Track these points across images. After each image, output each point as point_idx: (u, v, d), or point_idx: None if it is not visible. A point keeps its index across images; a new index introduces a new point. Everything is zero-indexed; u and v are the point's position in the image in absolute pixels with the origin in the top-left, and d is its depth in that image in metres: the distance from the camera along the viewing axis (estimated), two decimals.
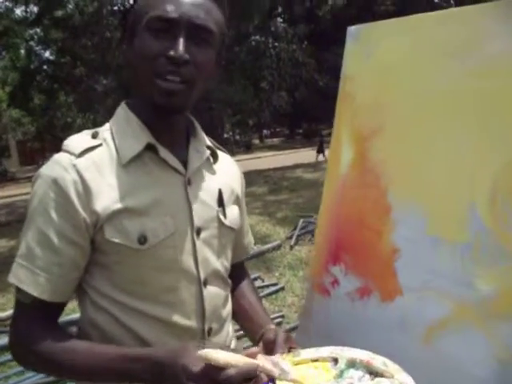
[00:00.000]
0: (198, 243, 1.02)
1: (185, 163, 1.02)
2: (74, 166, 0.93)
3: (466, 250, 1.09)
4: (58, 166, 0.93)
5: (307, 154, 21.06)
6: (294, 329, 3.65)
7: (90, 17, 15.53)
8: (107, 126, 1.03)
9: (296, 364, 0.92)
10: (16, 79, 19.72)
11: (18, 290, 0.94)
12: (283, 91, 15.29)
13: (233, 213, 1.12)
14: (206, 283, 1.03)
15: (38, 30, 18.27)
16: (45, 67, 18.31)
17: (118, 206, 0.93)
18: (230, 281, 1.14)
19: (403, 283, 1.20)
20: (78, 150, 0.95)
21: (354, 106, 1.36)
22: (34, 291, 0.91)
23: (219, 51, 1.02)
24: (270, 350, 1.00)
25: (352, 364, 0.90)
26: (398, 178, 1.23)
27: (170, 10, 0.92)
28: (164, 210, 0.97)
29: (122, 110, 1.04)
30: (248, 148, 26.73)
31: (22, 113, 24.62)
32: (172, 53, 0.91)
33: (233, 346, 1.16)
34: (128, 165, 0.96)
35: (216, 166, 1.12)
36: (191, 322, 1.01)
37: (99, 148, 0.97)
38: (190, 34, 0.93)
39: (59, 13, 16.01)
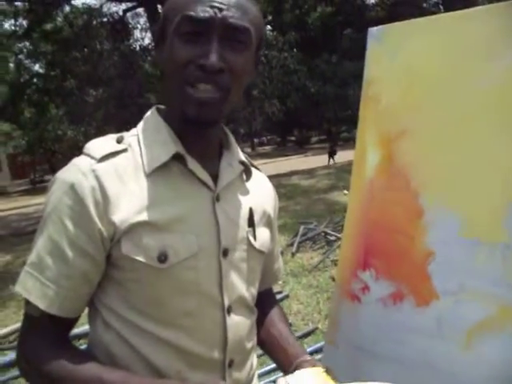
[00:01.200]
0: (224, 265, 0.93)
1: (215, 177, 0.94)
2: (94, 171, 0.85)
3: (506, 250, 1.07)
4: (77, 170, 0.86)
5: (301, 161, 21.12)
6: (301, 337, 3.64)
7: (80, 29, 15.50)
8: (134, 131, 0.96)
9: None
10: (6, 93, 19.64)
11: (26, 302, 0.87)
12: (275, 99, 15.29)
13: (263, 235, 1.04)
14: (230, 310, 0.94)
15: (28, 43, 18.25)
16: (35, 80, 18.26)
17: (139, 218, 0.85)
18: (256, 309, 1.05)
19: (439, 287, 1.17)
20: (99, 155, 0.87)
21: (378, 109, 1.34)
22: (41, 304, 0.84)
23: (257, 51, 0.94)
24: None
25: None
26: (429, 180, 1.21)
27: (201, 9, 0.84)
28: (188, 227, 0.89)
29: (152, 116, 0.97)
30: None
31: (13, 126, 24.51)
32: (203, 61, 0.83)
33: (255, 381, 1.08)
34: (152, 174, 0.88)
35: (249, 184, 1.04)
36: (210, 352, 0.92)
37: (123, 154, 0.89)
38: (225, 36, 0.85)
39: (48, 26, 15.99)
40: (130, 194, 0.86)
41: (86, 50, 15.82)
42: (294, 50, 15.68)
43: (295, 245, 6.04)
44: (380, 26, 1.39)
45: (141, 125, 0.97)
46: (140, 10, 17.01)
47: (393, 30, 1.35)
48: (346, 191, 11.66)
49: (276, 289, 4.67)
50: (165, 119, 0.95)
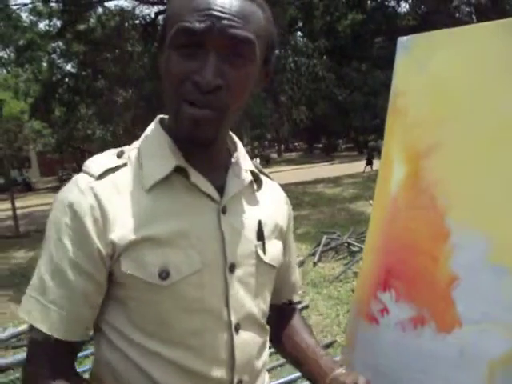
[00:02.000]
0: (231, 281, 0.89)
1: (221, 189, 0.90)
2: (92, 188, 0.83)
3: None
4: (76, 189, 0.84)
5: (327, 169, 21.01)
6: None
7: (112, 30, 15.70)
8: (136, 143, 0.93)
9: None
10: (38, 91, 20.04)
11: (30, 327, 0.85)
12: (303, 105, 15.25)
13: (274, 249, 0.99)
14: (237, 328, 0.90)
15: (61, 43, 18.58)
16: (66, 80, 18.57)
17: (138, 234, 0.82)
18: (267, 326, 1.01)
19: (462, 314, 1.10)
20: (97, 172, 0.85)
21: (406, 122, 1.28)
22: (44, 327, 0.82)
23: (267, 59, 0.88)
24: None
25: None
26: (458, 199, 1.14)
27: (197, 19, 0.76)
28: (191, 242, 0.85)
29: (154, 128, 0.93)
30: (267, 162, 26.76)
31: (43, 124, 24.97)
32: (198, 78, 0.77)
33: None
34: (153, 189, 0.85)
35: (259, 194, 0.99)
36: (217, 372, 0.88)
37: (123, 169, 0.87)
38: (224, 48, 0.78)
39: (81, 26, 16.25)
40: (129, 210, 0.84)
41: (117, 51, 16.03)
42: (324, 57, 15.64)
43: (317, 254, 5.98)
44: (410, 36, 1.33)
45: (142, 137, 0.93)
46: None
47: (422, 40, 1.29)
48: (371, 201, 11.55)
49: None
50: (166, 130, 0.91)
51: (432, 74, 1.23)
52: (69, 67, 20.10)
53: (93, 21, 16.75)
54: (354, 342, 1.34)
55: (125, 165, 0.87)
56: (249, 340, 0.93)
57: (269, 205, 1.01)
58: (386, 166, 1.34)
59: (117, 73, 15.75)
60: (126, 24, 15.90)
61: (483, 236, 1.08)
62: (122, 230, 0.82)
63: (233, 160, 0.96)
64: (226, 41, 0.77)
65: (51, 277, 0.83)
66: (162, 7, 16.27)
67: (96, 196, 0.82)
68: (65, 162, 34.51)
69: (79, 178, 0.86)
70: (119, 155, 0.89)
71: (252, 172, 0.98)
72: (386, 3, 20.63)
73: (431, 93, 1.23)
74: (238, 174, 0.94)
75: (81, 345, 0.88)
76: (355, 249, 6.42)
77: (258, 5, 0.83)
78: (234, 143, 1.00)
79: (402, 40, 1.33)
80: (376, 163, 22.09)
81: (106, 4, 17.35)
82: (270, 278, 1.00)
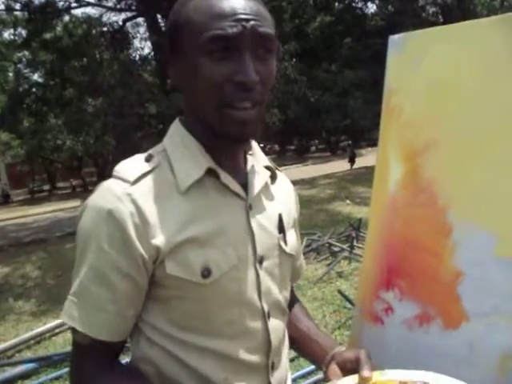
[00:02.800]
0: (261, 273, 0.95)
1: (244, 186, 0.95)
2: (129, 195, 0.84)
3: None
4: (111, 196, 0.85)
5: (300, 171, 21.09)
6: None
7: (79, 38, 15.52)
8: (160, 147, 0.95)
9: None
10: (5, 102, 19.65)
11: (74, 331, 0.87)
12: (275, 108, 15.28)
13: (292, 238, 1.06)
14: (269, 316, 0.97)
15: (27, 52, 18.29)
16: (34, 90, 18.28)
17: (181, 237, 0.86)
18: (287, 311, 1.09)
19: (469, 309, 1.11)
20: (132, 177, 0.86)
21: (401, 120, 1.28)
22: (90, 331, 0.85)
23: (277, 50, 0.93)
24: (348, 370, 0.96)
25: None
26: (459, 195, 1.14)
27: (229, 25, 0.80)
28: (227, 239, 0.90)
29: (177, 130, 0.95)
30: None
31: (11, 136, 24.46)
32: (242, 78, 0.81)
33: (289, 379, 1.10)
34: (188, 191, 0.89)
35: (273, 188, 1.05)
36: (256, 357, 0.95)
37: (154, 173, 0.89)
38: (255, 47, 0.83)
39: (48, 35, 16.02)
40: (168, 213, 0.86)
41: (85, 59, 15.84)
42: (294, 59, 15.71)
43: None
44: (401, 34, 1.33)
45: (167, 140, 0.95)
46: (140, 19, 17.05)
47: (415, 38, 1.29)
48: (348, 201, 11.63)
49: None
50: (191, 132, 0.93)
51: (427, 71, 1.23)
52: (36, 77, 19.79)
53: (59, 29, 16.52)
54: (359, 343, 1.33)
55: (156, 168, 0.89)
56: (277, 325, 1.00)
57: (283, 197, 1.08)
58: (382, 165, 1.34)
59: (86, 81, 15.55)
60: (94, 31, 15.72)
61: (487, 230, 1.08)
62: (165, 234, 0.85)
63: (250, 157, 1.01)
64: (256, 40, 0.82)
65: (94, 282, 0.85)
66: (129, 14, 16.15)
67: (134, 202, 0.84)
68: (35, 173, 33.90)
69: (113, 185, 0.87)
70: (148, 159, 0.91)
71: (268, 167, 1.03)
72: (354, 4, 20.86)
73: (427, 90, 1.23)
74: (257, 171, 0.99)
75: (124, 343, 0.92)
76: (336, 249, 6.45)
77: (262, 5, 0.88)
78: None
79: (394, 38, 1.33)
80: (339, 165, 22.32)
81: (73, 12, 17.06)
82: (290, 267, 1.07)
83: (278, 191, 1.06)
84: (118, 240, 0.83)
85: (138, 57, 16.60)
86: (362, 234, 7.11)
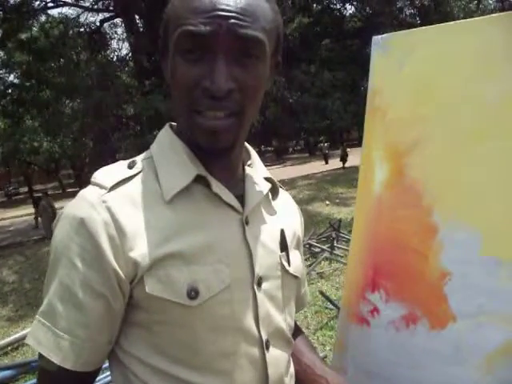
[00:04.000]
0: (260, 296, 0.83)
1: (241, 198, 0.85)
2: (104, 202, 0.75)
3: None
4: (85, 204, 0.76)
5: (279, 171, 21.12)
6: None
7: (56, 39, 15.32)
8: (147, 153, 0.85)
9: None
10: None
11: (40, 355, 0.77)
12: None
13: (296, 259, 0.95)
14: (268, 345, 0.84)
15: (2, 53, 17.99)
16: (9, 91, 17.98)
17: (163, 251, 0.75)
18: (292, 340, 0.96)
19: (456, 309, 1.11)
20: (109, 183, 0.77)
21: (385, 120, 1.27)
22: (55, 357, 0.74)
23: (277, 50, 0.83)
24: None
25: None
26: (444, 195, 1.14)
27: (202, 21, 0.71)
28: (218, 256, 0.79)
29: (166, 135, 0.86)
30: None
31: None
32: (208, 84, 0.72)
33: None
34: (173, 200, 0.78)
35: (275, 203, 0.95)
36: None
37: (136, 180, 0.80)
38: (233, 50, 0.72)
39: (23, 35, 15.77)
40: (149, 224, 0.76)
41: (62, 60, 15.65)
42: None
43: None
44: (384, 35, 1.33)
45: (154, 146, 0.86)
46: (117, 20, 16.91)
47: (399, 38, 1.29)
48: (327, 202, 11.68)
49: None
50: (181, 137, 0.84)
51: (411, 71, 1.23)
52: (11, 78, 19.48)
53: (36, 29, 16.28)
54: (346, 345, 1.33)
55: (138, 175, 0.81)
56: (279, 356, 0.88)
57: (286, 214, 0.97)
58: (367, 165, 1.33)
59: (63, 82, 15.36)
60: (71, 32, 15.54)
61: (473, 230, 1.09)
62: (144, 246, 0.75)
63: (248, 167, 0.92)
64: (234, 42, 0.72)
65: (62, 302, 0.75)
66: (107, 14, 16.00)
67: (109, 210, 0.75)
68: (12, 176, 33.39)
69: (88, 192, 0.78)
70: (131, 166, 0.82)
71: (268, 179, 0.93)
72: (332, 6, 20.97)
73: (411, 90, 1.23)
74: (256, 183, 0.89)
75: (96, 373, 0.81)
76: (317, 250, 6.46)
77: (265, 2, 0.77)
78: (248, 151, 0.95)
79: (377, 39, 1.33)
80: (331, 163, 22.45)
81: (49, 12, 16.83)
82: (294, 290, 0.95)
83: (280, 207, 0.96)
84: (89, 253, 0.73)
85: (115, 58, 16.42)
86: (342, 235, 7.13)
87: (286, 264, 0.90)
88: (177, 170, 0.80)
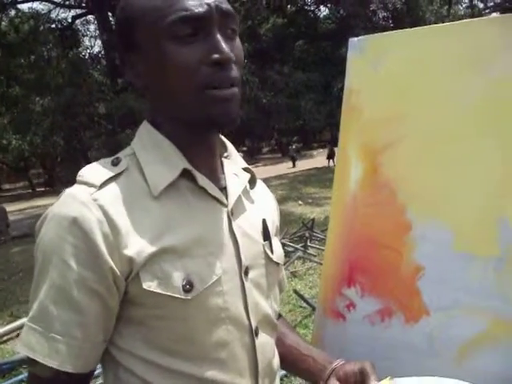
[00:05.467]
0: (247, 285, 0.85)
1: (223, 190, 0.87)
2: (96, 200, 0.75)
3: (498, 264, 1.05)
4: (76, 203, 0.75)
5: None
6: None
7: (26, 34, 15.04)
8: (129, 150, 0.85)
9: None
10: None
11: (32, 363, 0.75)
12: None
13: (278, 246, 0.98)
14: (257, 332, 0.87)
15: None
16: None
17: (157, 246, 0.76)
18: (277, 324, 0.99)
19: (429, 302, 1.14)
20: (98, 181, 0.77)
21: (361, 120, 1.31)
22: (52, 362, 0.73)
23: None
24: (351, 383, 0.91)
25: None
26: (417, 193, 1.18)
27: (194, 4, 0.75)
28: (208, 248, 0.80)
29: (147, 131, 0.86)
30: None
31: None
32: (217, 56, 0.76)
33: None
34: (160, 196, 0.79)
35: (253, 192, 0.97)
36: (245, 381, 0.85)
37: (123, 177, 0.80)
38: (223, 25, 0.78)
39: None
40: (141, 220, 0.77)
41: (32, 56, 15.38)
42: (246, 60, 15.74)
43: None
44: (361, 37, 1.36)
45: (135, 142, 0.86)
46: (90, 17, 16.70)
47: (374, 41, 1.32)
48: (300, 202, 11.77)
49: None
50: (162, 132, 0.85)
51: (386, 72, 1.26)
52: None
53: (5, 24, 15.94)
54: (322, 340, 1.35)
55: (124, 172, 0.81)
56: (266, 342, 0.91)
57: (264, 203, 1.00)
58: (342, 163, 1.36)
59: (33, 79, 15.09)
60: (42, 28, 15.27)
61: (446, 226, 1.12)
62: (138, 243, 0.75)
63: (225, 159, 0.94)
64: (223, 18, 0.78)
65: (56, 304, 0.73)
66: (79, 11, 15.78)
67: (102, 208, 0.75)
68: None
69: (77, 190, 0.77)
70: (115, 163, 0.82)
71: (246, 169, 0.95)
72: (306, 8, 21.11)
73: (386, 90, 1.26)
74: (235, 174, 0.92)
75: (92, 373, 0.80)
76: (290, 249, 6.50)
77: None
78: (223, 142, 0.96)
79: (353, 41, 1.36)
80: (299, 164, 22.58)
81: (19, 6, 16.50)
82: (277, 277, 0.98)
83: (258, 196, 0.99)
84: (84, 252, 0.73)
85: (88, 55, 16.21)
86: (315, 234, 7.20)
87: (269, 252, 0.93)
88: (162, 166, 0.81)
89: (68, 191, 0.78)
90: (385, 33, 1.31)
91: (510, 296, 1.04)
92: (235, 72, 0.79)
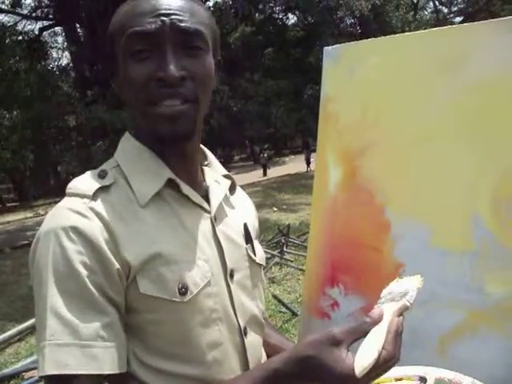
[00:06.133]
0: (233, 287, 0.89)
1: (205, 198, 0.90)
2: (92, 209, 0.77)
3: (473, 258, 1.11)
4: (72, 214, 0.76)
5: None
6: None
7: None
8: (113, 162, 0.88)
9: (378, 383, 0.87)
10: None
11: (65, 379, 0.71)
12: None
13: (259, 248, 1.02)
14: (246, 332, 0.91)
15: None
16: None
17: (151, 251, 0.79)
18: (264, 323, 1.02)
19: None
20: (90, 191, 0.80)
21: (338, 125, 1.36)
22: (90, 369, 0.71)
23: (215, 54, 0.89)
24: None
25: (439, 383, 0.86)
26: (395, 194, 1.23)
27: (147, 21, 0.78)
28: (197, 253, 0.84)
29: (129, 142, 0.90)
30: None
31: None
32: (161, 74, 0.78)
33: None
34: (148, 205, 0.82)
35: (233, 198, 1.01)
36: None
37: (112, 188, 0.83)
38: (178, 43, 0.79)
39: None
40: (133, 228, 0.80)
41: None
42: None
43: None
44: (335, 46, 1.42)
45: (119, 154, 0.89)
46: (57, 28, 16.52)
47: (350, 48, 1.38)
48: (275, 208, 11.83)
49: None
50: (144, 143, 0.88)
51: (361, 79, 1.32)
52: None
53: None
54: None
55: (113, 184, 0.83)
56: (255, 341, 0.95)
57: (243, 207, 1.04)
58: (321, 168, 1.41)
59: (1, 93, 14.81)
60: (8, 40, 15.01)
61: (423, 224, 1.18)
62: (134, 248, 0.78)
63: (206, 167, 0.97)
64: (178, 36, 0.79)
65: (78, 312, 0.73)
66: (46, 23, 15.60)
67: (99, 216, 0.77)
68: None
69: (70, 202, 0.79)
70: (102, 175, 0.84)
71: (227, 176, 0.99)
72: (275, 15, 21.26)
73: (361, 96, 1.32)
74: (216, 181, 0.96)
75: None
76: (267, 255, 6.53)
77: (197, 3, 0.86)
78: (202, 151, 1.00)
79: (328, 49, 1.41)
80: (271, 171, 22.66)
81: None
82: (261, 278, 1.02)
83: (238, 202, 1.03)
84: (91, 258, 0.75)
85: (56, 67, 16.01)
86: (291, 240, 7.25)
87: (252, 255, 0.97)
88: (148, 176, 0.84)
89: (61, 205, 0.80)
90: (360, 41, 1.37)
91: (484, 288, 1.10)
92: (188, 90, 0.80)
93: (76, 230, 0.75)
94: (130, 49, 0.80)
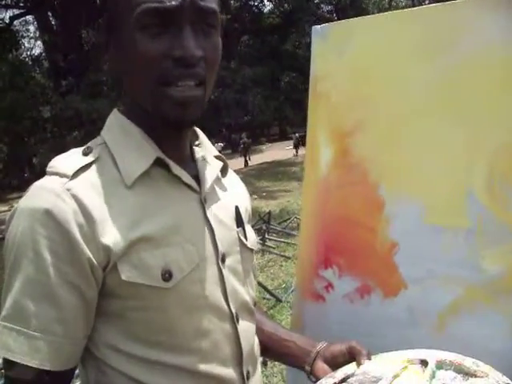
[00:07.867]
0: (225, 272, 0.85)
1: (195, 178, 0.86)
2: (69, 190, 0.73)
3: (468, 235, 1.10)
4: (48, 194, 0.72)
5: None
6: None
7: None
8: (99, 139, 0.83)
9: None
10: None
11: (9, 365, 0.71)
12: None
13: (251, 233, 0.98)
14: (237, 319, 0.87)
15: None
16: None
17: (133, 235, 0.74)
18: (255, 311, 0.98)
19: (406, 276, 1.19)
20: (70, 171, 0.75)
21: (329, 104, 1.34)
22: (33, 361, 0.69)
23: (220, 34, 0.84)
24: (339, 364, 0.93)
25: (441, 365, 0.85)
26: (388, 171, 1.22)
27: None
28: (184, 236, 0.80)
29: (117, 119, 0.85)
30: None
31: None
32: (180, 52, 0.73)
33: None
34: (134, 185, 0.78)
35: (225, 180, 0.97)
36: (228, 370, 0.84)
37: (95, 167, 0.78)
38: (196, 21, 0.75)
39: None
40: (116, 210, 0.75)
41: None
42: None
43: None
44: (324, 24, 1.39)
45: (105, 132, 0.85)
46: (29, 17, 16.15)
47: (339, 27, 1.36)
48: (255, 196, 11.82)
49: None
50: (133, 120, 0.84)
51: (351, 57, 1.29)
52: None
53: None
54: (302, 323, 1.38)
55: (96, 162, 0.79)
56: (248, 328, 0.91)
57: (236, 190, 1.00)
58: (312, 148, 1.39)
59: None
60: None
61: (416, 201, 1.17)
62: (115, 232, 0.74)
63: (197, 147, 0.93)
64: (197, 14, 0.75)
65: (32, 299, 0.70)
66: (16, 11, 15.24)
67: (75, 198, 0.73)
68: None
69: (48, 181, 0.75)
70: (86, 152, 0.80)
71: (219, 158, 0.95)
72: (250, 3, 21.13)
73: (352, 74, 1.30)
74: (208, 162, 0.91)
75: (73, 373, 0.77)
76: None
77: None
78: (194, 130, 0.95)
79: (317, 29, 1.39)
80: (253, 158, 22.63)
81: None
82: (252, 263, 0.98)
83: (230, 184, 0.98)
84: (60, 244, 0.71)
85: (29, 57, 15.68)
86: (272, 227, 7.26)
87: (243, 239, 0.93)
88: (135, 154, 0.80)
89: (38, 183, 0.76)
90: (349, 19, 1.35)
91: (480, 264, 1.09)
92: (201, 70, 0.76)
93: (48, 213, 0.71)
94: (144, 22, 0.74)
